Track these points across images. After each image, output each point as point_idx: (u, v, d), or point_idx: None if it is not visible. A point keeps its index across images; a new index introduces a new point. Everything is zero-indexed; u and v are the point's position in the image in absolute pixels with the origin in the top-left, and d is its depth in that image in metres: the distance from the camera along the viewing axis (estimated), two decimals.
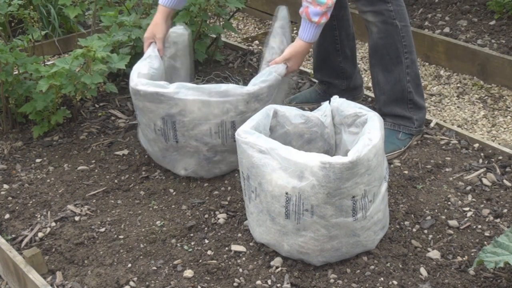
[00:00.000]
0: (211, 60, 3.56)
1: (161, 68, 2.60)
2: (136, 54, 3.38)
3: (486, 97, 3.44)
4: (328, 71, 2.94)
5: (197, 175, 2.56)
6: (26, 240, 2.29)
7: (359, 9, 2.65)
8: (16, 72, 2.92)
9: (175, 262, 2.14)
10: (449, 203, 2.37)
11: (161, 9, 2.66)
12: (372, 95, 3.21)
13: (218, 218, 2.34)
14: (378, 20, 2.57)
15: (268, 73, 2.46)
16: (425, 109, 2.72)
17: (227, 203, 2.41)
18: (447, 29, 3.98)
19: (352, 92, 2.99)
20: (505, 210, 2.32)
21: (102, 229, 2.31)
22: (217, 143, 2.47)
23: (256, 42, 4.37)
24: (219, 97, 2.38)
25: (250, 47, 3.90)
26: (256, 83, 2.43)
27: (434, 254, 2.13)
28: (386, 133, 2.52)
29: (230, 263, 2.12)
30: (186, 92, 2.38)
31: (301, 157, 1.94)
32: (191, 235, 2.27)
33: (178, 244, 2.23)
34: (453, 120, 3.25)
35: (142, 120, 2.54)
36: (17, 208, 2.48)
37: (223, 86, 2.40)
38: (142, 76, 2.48)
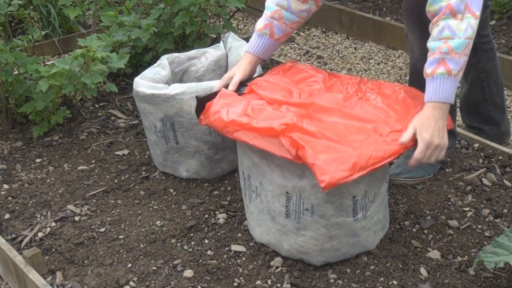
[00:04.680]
0: None
1: (168, 76, 2.59)
2: (136, 54, 3.39)
3: None
4: (477, 118, 2.85)
5: (199, 176, 2.56)
6: (26, 240, 2.29)
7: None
8: (16, 72, 2.92)
9: (175, 262, 2.14)
10: (449, 203, 2.37)
11: (247, 55, 2.34)
12: None
13: (218, 218, 2.34)
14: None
15: None
16: (456, 135, 2.61)
17: (227, 203, 2.41)
18: None
19: (500, 138, 2.87)
20: (505, 210, 2.31)
21: (102, 229, 2.31)
22: (217, 140, 2.47)
23: None
24: None
25: None
26: None
27: (434, 254, 2.13)
28: None
29: (230, 263, 2.12)
30: (182, 91, 2.38)
31: None
32: (191, 235, 2.27)
33: (178, 244, 2.23)
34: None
35: (145, 123, 2.55)
36: (17, 208, 2.48)
37: (217, 82, 2.40)
38: (145, 79, 2.49)
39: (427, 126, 1.98)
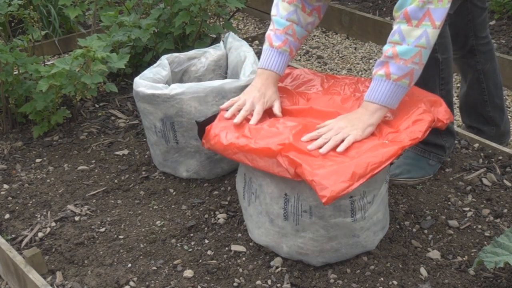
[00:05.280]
0: None
1: (168, 76, 2.60)
2: (136, 54, 3.39)
3: None
4: (476, 118, 2.85)
5: (199, 176, 2.56)
6: (26, 240, 2.29)
7: None
8: (16, 72, 2.92)
9: (175, 262, 2.14)
10: (449, 203, 2.37)
11: (271, 74, 2.22)
12: None
13: (218, 218, 2.34)
14: None
15: (251, 65, 2.49)
16: (455, 135, 2.60)
17: (227, 203, 2.41)
18: None
19: (500, 138, 2.87)
20: (505, 210, 2.31)
21: (102, 229, 2.31)
22: None
23: (256, 42, 4.37)
24: (216, 93, 2.39)
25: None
26: (247, 75, 2.44)
27: (434, 254, 2.13)
28: (416, 158, 2.50)
29: (230, 263, 2.12)
30: (182, 91, 2.38)
31: None
32: (191, 235, 2.27)
33: (178, 244, 2.23)
34: None
35: (145, 123, 2.55)
36: (17, 208, 2.48)
37: (217, 82, 2.41)
38: (145, 79, 2.49)
39: (344, 116, 2.03)
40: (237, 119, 2.08)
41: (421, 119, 2.01)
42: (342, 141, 1.94)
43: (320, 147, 1.93)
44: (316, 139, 1.96)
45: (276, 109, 2.16)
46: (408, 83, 1.98)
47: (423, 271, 2.05)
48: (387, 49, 1.97)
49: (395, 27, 1.97)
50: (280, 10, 2.23)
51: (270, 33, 2.25)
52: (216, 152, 2.11)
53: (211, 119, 2.15)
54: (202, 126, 2.15)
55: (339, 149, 1.93)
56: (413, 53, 1.93)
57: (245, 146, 1.96)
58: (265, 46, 2.25)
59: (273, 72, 2.21)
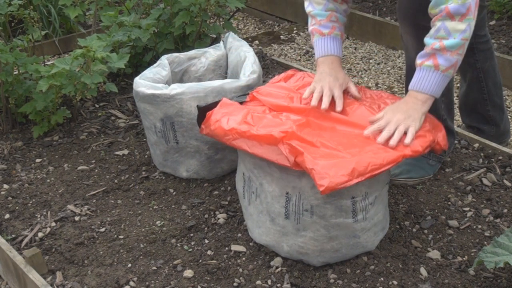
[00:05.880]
0: None
1: (168, 76, 2.60)
2: (136, 54, 3.39)
3: None
4: (476, 118, 2.85)
5: (199, 176, 2.56)
6: (26, 240, 2.29)
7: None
8: (16, 72, 2.92)
9: (175, 262, 2.14)
10: (449, 203, 2.37)
11: (335, 58, 2.30)
12: None
13: (218, 218, 2.34)
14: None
15: (251, 65, 2.49)
16: (455, 135, 2.62)
17: (227, 203, 2.41)
18: None
19: (500, 138, 2.87)
20: (505, 210, 2.31)
21: (102, 229, 2.31)
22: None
23: (256, 42, 4.37)
24: (216, 93, 2.39)
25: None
26: (247, 75, 2.45)
27: (434, 254, 2.13)
28: (416, 158, 2.47)
29: (230, 263, 2.12)
30: (182, 91, 2.38)
31: None
32: (191, 235, 2.27)
33: (178, 244, 2.23)
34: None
35: (145, 123, 2.55)
36: (17, 208, 2.48)
37: (217, 82, 2.41)
38: (145, 79, 2.49)
39: (397, 107, 2.07)
40: (324, 105, 2.14)
41: (424, 136, 2.04)
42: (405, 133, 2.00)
43: (387, 140, 1.99)
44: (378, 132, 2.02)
45: (354, 90, 2.24)
46: (452, 73, 2.05)
47: (423, 271, 2.05)
48: (434, 42, 2.01)
49: (438, 23, 2.01)
50: (315, 5, 2.31)
51: (315, 27, 2.31)
52: (215, 138, 2.12)
53: (212, 106, 2.16)
54: (203, 111, 2.16)
55: (407, 141, 1.98)
56: (459, 46, 2.00)
57: (246, 132, 1.97)
58: (316, 38, 2.31)
59: (335, 56, 2.29)
